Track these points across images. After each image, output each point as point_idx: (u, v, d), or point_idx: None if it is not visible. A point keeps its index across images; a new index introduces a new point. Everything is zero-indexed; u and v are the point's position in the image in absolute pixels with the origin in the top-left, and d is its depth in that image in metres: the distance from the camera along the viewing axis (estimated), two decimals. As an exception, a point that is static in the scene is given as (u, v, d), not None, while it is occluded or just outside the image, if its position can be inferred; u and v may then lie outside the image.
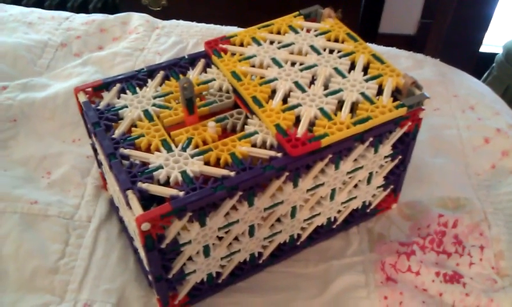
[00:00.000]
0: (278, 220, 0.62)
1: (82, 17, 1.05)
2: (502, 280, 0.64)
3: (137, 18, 1.03)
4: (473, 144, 0.81)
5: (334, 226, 0.68)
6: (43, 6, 1.54)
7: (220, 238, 0.58)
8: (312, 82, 0.65)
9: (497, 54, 1.47)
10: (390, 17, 1.76)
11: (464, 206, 0.72)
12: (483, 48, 1.69)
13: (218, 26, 1.02)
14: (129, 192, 0.52)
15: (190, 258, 0.57)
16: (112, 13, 1.06)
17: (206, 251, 0.57)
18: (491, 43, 1.73)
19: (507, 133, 0.82)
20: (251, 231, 0.60)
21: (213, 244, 0.57)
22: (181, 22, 1.04)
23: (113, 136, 0.58)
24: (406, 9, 1.74)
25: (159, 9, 1.50)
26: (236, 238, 0.60)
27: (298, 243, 0.66)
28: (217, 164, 0.56)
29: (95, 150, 0.68)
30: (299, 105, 0.61)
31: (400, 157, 0.66)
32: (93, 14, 1.06)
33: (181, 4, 1.49)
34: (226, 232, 0.57)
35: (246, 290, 0.63)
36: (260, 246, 0.63)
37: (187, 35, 1.00)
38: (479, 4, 1.57)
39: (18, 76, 0.90)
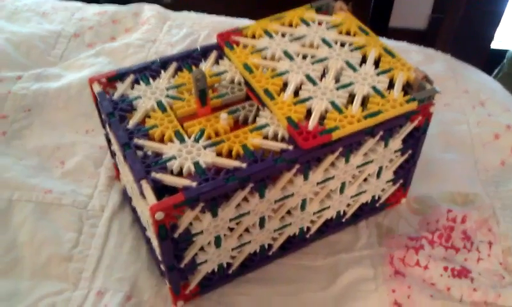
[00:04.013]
0: (288, 212, 0.62)
1: (95, 8, 1.06)
2: (510, 276, 0.65)
3: (149, 10, 1.04)
4: (483, 140, 0.81)
5: (343, 220, 0.69)
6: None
7: (231, 229, 0.59)
8: (323, 75, 0.65)
9: (508, 50, 1.46)
10: (400, 11, 1.75)
11: (473, 202, 0.72)
12: (494, 45, 1.68)
13: (229, 18, 1.03)
14: (143, 182, 0.53)
15: (202, 249, 0.58)
16: (122, 4, 1.07)
17: (217, 242, 0.58)
18: (503, 39, 1.72)
19: (517, 130, 0.82)
20: (262, 223, 0.60)
21: (224, 234, 0.58)
22: (192, 13, 1.05)
23: (127, 126, 0.59)
24: (417, 3, 1.74)
25: (169, 1, 1.50)
26: (247, 230, 0.60)
27: (307, 236, 0.67)
28: (229, 155, 0.57)
29: (108, 140, 0.69)
30: (310, 98, 0.61)
31: (410, 151, 0.67)
32: (105, 4, 1.07)
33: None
34: (237, 223, 0.58)
35: (255, 280, 0.64)
36: (270, 238, 0.63)
37: (199, 27, 1.00)
38: (491, 0, 1.56)
39: (32, 66, 0.91)
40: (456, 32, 1.66)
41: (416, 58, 0.95)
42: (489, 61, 1.57)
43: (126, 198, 0.72)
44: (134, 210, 0.70)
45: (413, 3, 1.73)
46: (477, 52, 1.67)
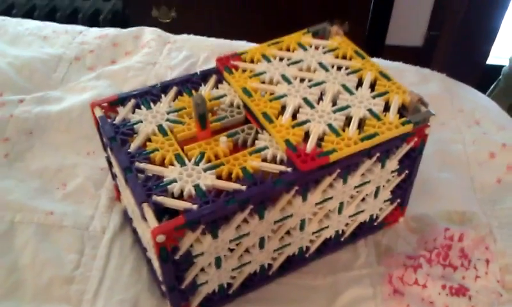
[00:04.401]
0: (288, 232, 0.63)
1: (95, 31, 1.07)
2: (508, 293, 0.65)
3: (149, 33, 1.06)
4: (479, 159, 0.82)
5: (342, 239, 0.70)
6: (55, 16, 1.58)
7: (231, 250, 0.59)
8: (321, 98, 0.67)
9: (504, 66, 1.48)
10: (396, 29, 1.78)
11: (470, 221, 0.73)
12: (490, 60, 1.70)
13: (228, 41, 1.04)
14: (145, 205, 0.54)
15: (202, 269, 0.59)
16: (122, 25, 1.09)
17: (218, 263, 0.59)
18: (498, 55, 1.74)
19: (512, 148, 0.83)
20: (262, 244, 0.61)
21: (224, 255, 0.59)
22: (192, 36, 1.07)
23: (129, 150, 0.60)
24: (413, 21, 1.76)
25: (168, 21, 1.53)
26: (247, 250, 0.61)
27: (307, 255, 0.68)
28: (229, 178, 0.58)
29: (109, 163, 0.70)
30: (308, 121, 0.63)
31: (406, 171, 0.68)
32: (105, 28, 1.09)
33: (190, 16, 1.52)
34: (237, 244, 0.59)
35: (255, 300, 0.65)
36: (270, 258, 0.64)
37: (198, 49, 1.02)
38: (486, 17, 1.59)
39: (34, 89, 0.93)
40: (451, 49, 1.69)
41: (412, 78, 0.97)
42: (485, 76, 1.60)
43: (127, 219, 0.73)
44: (134, 231, 0.71)
45: (410, 21, 1.76)
46: (473, 68, 1.70)
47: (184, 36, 1.06)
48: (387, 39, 1.81)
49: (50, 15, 1.59)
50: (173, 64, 0.98)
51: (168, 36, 1.06)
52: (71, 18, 1.59)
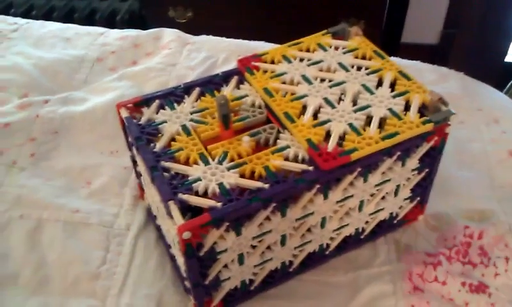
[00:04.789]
0: (309, 230, 0.64)
1: (116, 33, 1.10)
2: (528, 291, 0.66)
3: (168, 34, 1.08)
4: (498, 157, 0.82)
5: (362, 236, 0.71)
6: (73, 17, 1.61)
7: (254, 247, 0.61)
8: (341, 98, 0.68)
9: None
10: (412, 27, 1.78)
11: (489, 218, 0.73)
12: (508, 58, 1.69)
13: (246, 41, 1.06)
14: (171, 203, 0.55)
15: (225, 266, 0.60)
16: (139, 25, 1.10)
17: (240, 259, 0.60)
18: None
19: (531, 147, 0.83)
20: (283, 241, 0.63)
21: (247, 252, 0.60)
22: (210, 37, 1.08)
23: (154, 150, 0.62)
24: (429, 19, 1.76)
25: (185, 21, 1.55)
26: (268, 247, 0.62)
27: (327, 252, 0.69)
28: (251, 176, 0.59)
29: (134, 162, 0.72)
30: (329, 120, 0.64)
31: (426, 170, 0.68)
32: (126, 30, 1.11)
33: (206, 16, 1.54)
34: (259, 241, 0.60)
35: (277, 296, 0.66)
36: (291, 255, 0.65)
37: (217, 50, 1.03)
38: (504, 13, 1.58)
39: (58, 90, 0.95)
40: (469, 47, 1.68)
41: (430, 77, 0.97)
42: (503, 74, 1.58)
43: (150, 217, 0.75)
44: (158, 228, 0.72)
45: (425, 18, 1.75)
46: (491, 66, 1.69)
47: (203, 37, 1.08)
48: (403, 37, 1.80)
49: (68, 16, 1.63)
50: (193, 64, 0.99)
51: (187, 37, 1.07)
52: (89, 18, 1.62)
